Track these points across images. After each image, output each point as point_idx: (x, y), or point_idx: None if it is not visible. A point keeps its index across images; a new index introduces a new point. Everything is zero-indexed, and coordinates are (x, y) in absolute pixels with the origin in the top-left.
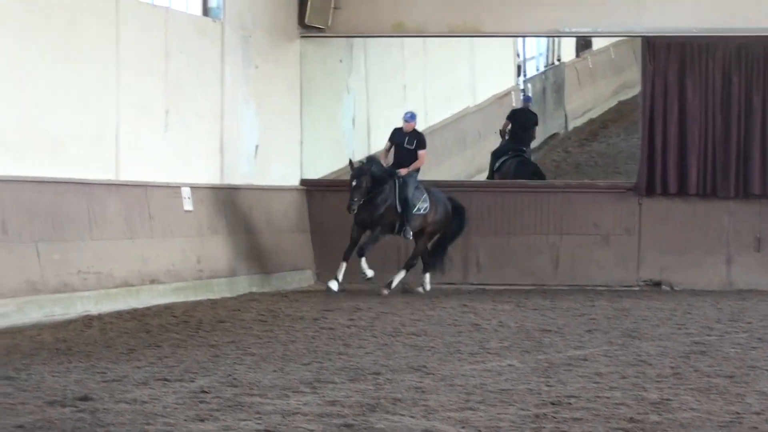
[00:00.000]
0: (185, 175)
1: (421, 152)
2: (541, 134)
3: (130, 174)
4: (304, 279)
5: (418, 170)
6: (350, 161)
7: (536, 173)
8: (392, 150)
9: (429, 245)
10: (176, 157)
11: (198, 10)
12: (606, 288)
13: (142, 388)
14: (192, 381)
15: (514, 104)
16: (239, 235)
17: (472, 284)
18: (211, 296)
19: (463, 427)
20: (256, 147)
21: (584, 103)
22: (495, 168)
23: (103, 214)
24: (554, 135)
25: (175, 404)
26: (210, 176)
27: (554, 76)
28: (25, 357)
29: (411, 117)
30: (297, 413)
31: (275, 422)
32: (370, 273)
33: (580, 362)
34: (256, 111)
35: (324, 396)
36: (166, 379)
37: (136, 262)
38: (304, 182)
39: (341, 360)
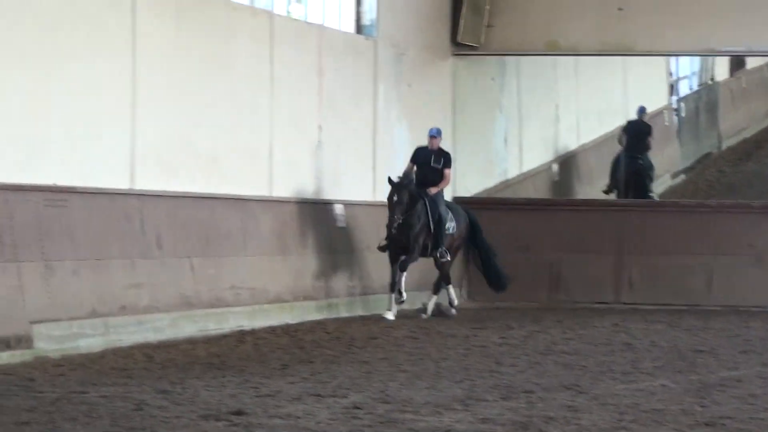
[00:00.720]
0: (338, 192)
1: (447, 171)
2: (694, 154)
3: (283, 190)
4: (456, 296)
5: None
6: (389, 178)
7: (642, 171)
8: (415, 169)
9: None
10: (329, 174)
11: (351, 28)
12: (760, 309)
13: (296, 403)
14: (345, 397)
15: (666, 122)
16: None
17: (625, 303)
18: (363, 313)
19: None
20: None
21: (738, 123)
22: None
23: (256, 230)
24: (708, 155)
25: (328, 420)
26: (362, 193)
27: (707, 95)
28: (179, 371)
29: (437, 133)
30: (450, 430)
31: None
32: (404, 296)
33: (733, 383)
34: (408, 129)
35: (477, 414)
36: (319, 395)
37: (289, 277)
38: (456, 200)
39: (493, 378)
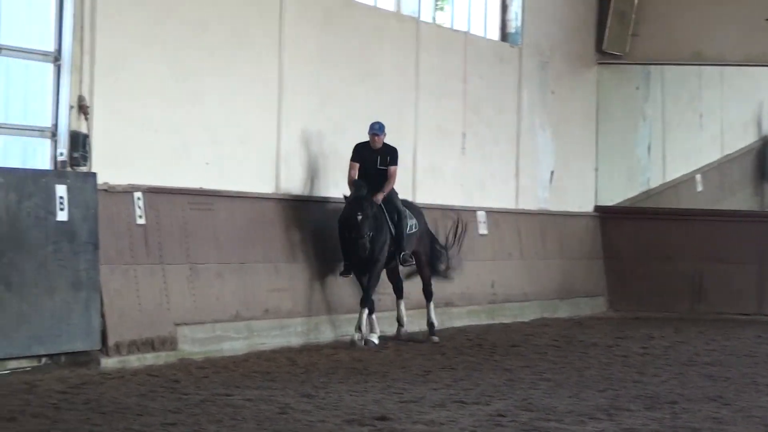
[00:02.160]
0: (480, 199)
1: (392, 168)
2: None
3: (426, 196)
4: (597, 306)
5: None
6: (345, 196)
7: None
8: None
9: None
10: (472, 181)
11: (496, 35)
12: None
13: (439, 409)
14: (488, 404)
15: None
16: (532, 260)
17: (767, 315)
18: (504, 320)
19: None
20: (552, 173)
21: None
22: None
23: None
24: None
25: (471, 427)
26: (505, 200)
27: None
28: (322, 375)
29: (380, 129)
30: None
31: None
32: (374, 340)
33: None
34: (551, 137)
35: (620, 423)
36: (462, 402)
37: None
38: (598, 209)
39: (636, 388)
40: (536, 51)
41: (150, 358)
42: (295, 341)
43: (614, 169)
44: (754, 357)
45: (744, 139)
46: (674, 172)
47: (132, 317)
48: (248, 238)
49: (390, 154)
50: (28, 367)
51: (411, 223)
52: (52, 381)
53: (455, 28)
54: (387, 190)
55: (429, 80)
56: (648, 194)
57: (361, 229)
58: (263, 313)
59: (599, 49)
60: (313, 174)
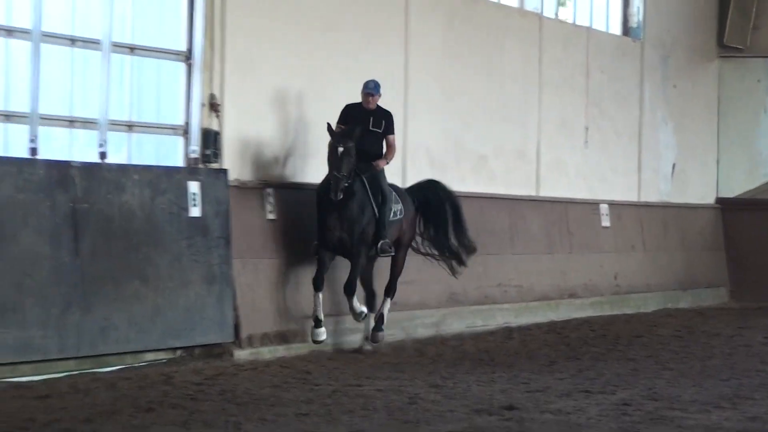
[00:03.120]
0: (603, 192)
1: (391, 138)
2: None
3: (549, 190)
4: (718, 296)
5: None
6: (328, 124)
7: None
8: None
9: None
10: (594, 174)
11: (618, 30)
12: None
13: (565, 399)
14: (613, 393)
15: None
16: (655, 251)
17: None
18: (627, 311)
19: None
20: (674, 166)
21: None
22: None
23: (525, 228)
24: None
25: (598, 416)
26: (627, 193)
27: None
28: (449, 366)
29: (375, 88)
30: (719, 428)
31: None
32: (364, 309)
33: None
34: (673, 130)
35: (745, 412)
36: (588, 391)
37: (555, 276)
38: (719, 201)
39: (759, 377)
40: (658, 45)
41: (281, 350)
42: (423, 333)
43: (736, 161)
44: None
45: None
46: None
47: (263, 310)
48: None
49: (385, 119)
50: (164, 359)
51: (396, 209)
52: (188, 373)
53: (577, 23)
54: (388, 158)
55: (552, 75)
56: None
57: (339, 165)
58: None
59: (720, 42)
60: (438, 167)
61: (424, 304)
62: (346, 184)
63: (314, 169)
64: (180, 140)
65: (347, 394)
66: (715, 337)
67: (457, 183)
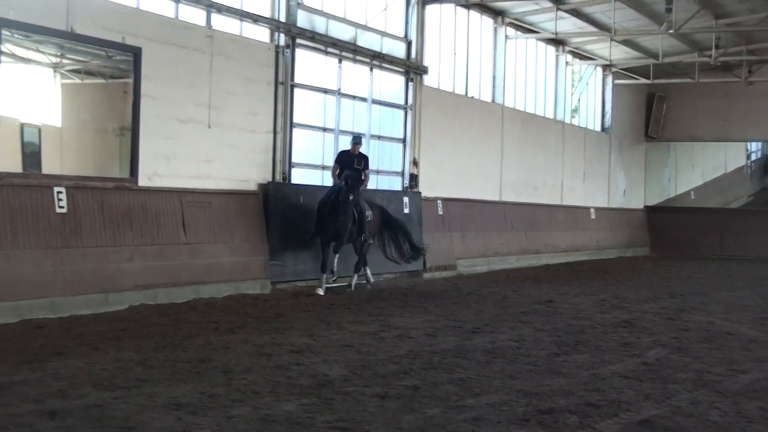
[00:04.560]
0: (592, 202)
1: (367, 171)
2: (755, 187)
3: (567, 201)
4: (644, 251)
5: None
6: (347, 179)
7: None
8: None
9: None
10: (588, 194)
11: (599, 128)
12: None
13: (574, 297)
14: (596, 295)
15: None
16: (615, 230)
17: None
18: (603, 257)
19: None
20: (624, 191)
21: None
22: None
23: (555, 219)
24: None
25: (590, 306)
26: (603, 203)
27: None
28: (519, 281)
29: (359, 140)
30: (648, 312)
31: None
32: (335, 275)
33: None
34: (624, 174)
35: (660, 304)
36: (585, 294)
37: (569, 241)
38: (646, 207)
39: (664, 286)
40: (616, 135)
41: (445, 274)
42: (509, 266)
43: (652, 189)
44: None
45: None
46: None
47: (437, 255)
48: (489, 220)
49: (364, 159)
50: (392, 277)
51: (368, 214)
52: (402, 283)
53: (579, 125)
54: (366, 184)
55: (568, 149)
56: None
57: (347, 207)
58: (494, 254)
59: (646, 133)
60: (517, 191)
61: (509, 252)
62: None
63: (462, 190)
64: (399, 179)
65: (475, 293)
66: (642, 269)
67: (525, 198)
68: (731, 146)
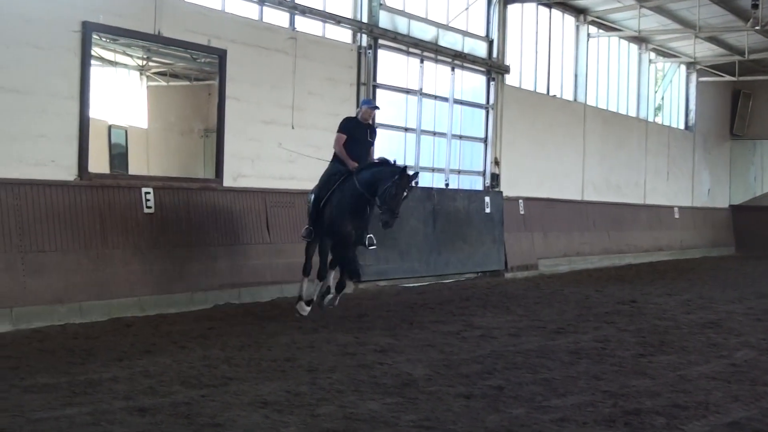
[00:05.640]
0: (675, 201)
1: (372, 148)
2: None
3: (650, 200)
4: (729, 251)
5: None
6: (404, 168)
7: None
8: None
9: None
10: (671, 193)
11: (682, 126)
12: None
13: (658, 297)
14: (680, 295)
15: None
16: (700, 229)
17: None
18: (687, 257)
19: None
20: (708, 190)
21: None
22: None
23: (637, 218)
24: None
25: (674, 305)
26: (686, 202)
27: None
28: (602, 281)
29: (375, 105)
30: (734, 312)
31: None
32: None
33: None
34: (708, 173)
35: (745, 305)
36: (669, 294)
37: (652, 240)
38: (731, 206)
39: (752, 287)
40: (700, 133)
41: (526, 274)
42: (591, 266)
43: (737, 186)
44: None
45: None
46: None
47: (518, 255)
48: (569, 219)
49: (374, 133)
50: (473, 276)
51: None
52: (483, 283)
53: (663, 123)
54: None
55: (651, 148)
56: None
57: (399, 203)
58: (576, 253)
59: (731, 131)
60: (598, 191)
61: (591, 253)
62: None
63: (542, 190)
64: (481, 178)
65: (557, 293)
66: (728, 269)
67: (605, 197)
68: None
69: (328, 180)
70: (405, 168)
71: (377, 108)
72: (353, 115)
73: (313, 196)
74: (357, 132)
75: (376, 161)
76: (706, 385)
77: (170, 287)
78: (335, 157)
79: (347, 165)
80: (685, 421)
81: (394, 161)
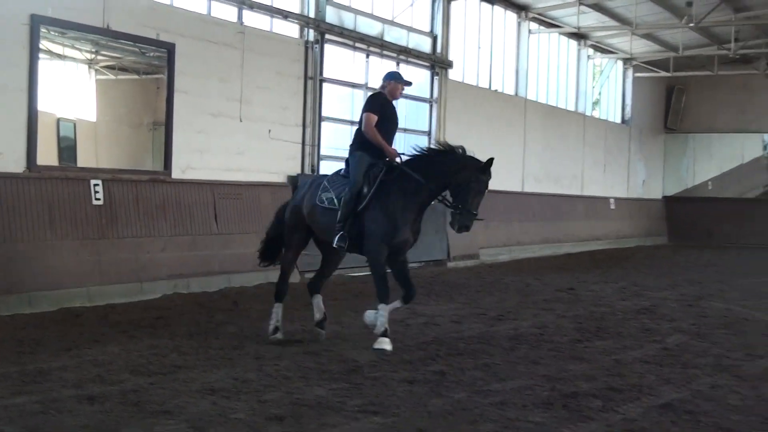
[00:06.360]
0: (611, 192)
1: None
2: None
3: (588, 192)
4: (662, 239)
5: None
6: (489, 162)
7: None
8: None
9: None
10: (607, 184)
11: (619, 120)
12: None
13: (595, 285)
14: (616, 283)
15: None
16: (635, 220)
17: None
18: (622, 246)
19: None
20: (643, 181)
21: None
22: None
23: (575, 209)
24: None
25: (610, 293)
26: (622, 193)
27: None
28: (540, 270)
29: (406, 81)
30: (666, 299)
31: None
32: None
33: None
34: (643, 165)
35: (677, 291)
36: (605, 282)
37: (588, 230)
38: (664, 197)
39: (683, 274)
40: (636, 126)
41: (468, 263)
42: (532, 256)
43: (671, 178)
44: None
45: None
46: None
47: (460, 244)
48: (510, 210)
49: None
50: (417, 266)
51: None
52: (427, 272)
53: (600, 117)
54: None
55: (588, 140)
56: None
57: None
58: (516, 243)
59: (665, 125)
60: (539, 182)
61: (531, 242)
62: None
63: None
64: None
65: (495, 282)
66: (661, 257)
67: (546, 189)
68: (748, 137)
69: (366, 173)
70: (491, 160)
71: (409, 84)
72: (378, 90)
73: (348, 194)
74: (388, 111)
75: (425, 149)
76: (639, 369)
77: (119, 277)
78: (361, 143)
79: (386, 153)
80: (620, 403)
81: (461, 148)
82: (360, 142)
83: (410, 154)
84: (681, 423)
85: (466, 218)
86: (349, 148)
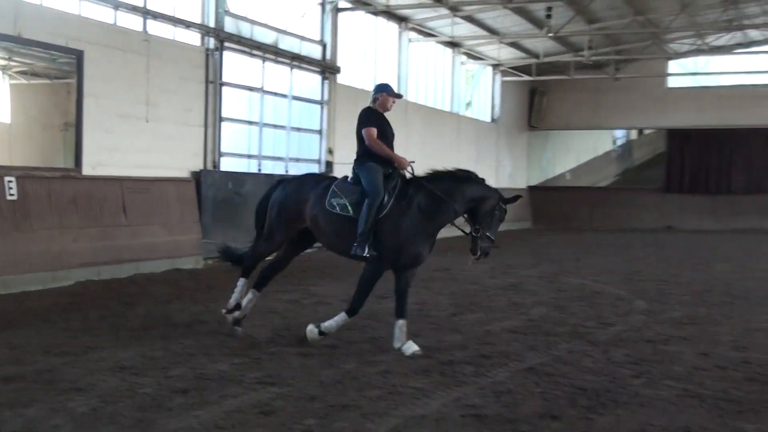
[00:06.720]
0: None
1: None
2: (620, 168)
3: None
4: (527, 224)
5: None
6: (508, 199)
7: None
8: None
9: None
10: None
11: (488, 118)
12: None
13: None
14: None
15: (612, 155)
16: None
17: None
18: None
19: None
20: (510, 173)
21: (642, 156)
22: None
23: None
24: (627, 168)
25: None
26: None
27: (629, 144)
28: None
29: (397, 93)
30: (529, 276)
31: None
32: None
33: None
34: (509, 157)
35: (539, 268)
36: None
37: None
38: (529, 187)
39: (542, 253)
40: (503, 125)
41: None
42: None
43: (534, 169)
44: None
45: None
46: None
47: None
48: None
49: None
50: (311, 251)
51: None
52: (322, 256)
53: (471, 117)
54: None
55: (462, 136)
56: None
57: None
58: None
59: (529, 123)
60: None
61: None
62: None
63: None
64: (317, 166)
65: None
66: (525, 240)
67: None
68: (600, 133)
69: (381, 184)
70: (518, 197)
71: (400, 96)
72: (369, 104)
73: (369, 204)
74: (383, 125)
75: (444, 171)
76: (507, 338)
77: (33, 267)
78: (369, 156)
79: (398, 163)
80: (490, 369)
81: (474, 174)
82: (368, 155)
83: (427, 172)
84: (543, 384)
85: (487, 243)
86: (354, 162)
